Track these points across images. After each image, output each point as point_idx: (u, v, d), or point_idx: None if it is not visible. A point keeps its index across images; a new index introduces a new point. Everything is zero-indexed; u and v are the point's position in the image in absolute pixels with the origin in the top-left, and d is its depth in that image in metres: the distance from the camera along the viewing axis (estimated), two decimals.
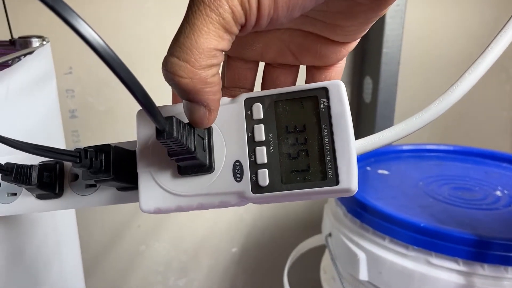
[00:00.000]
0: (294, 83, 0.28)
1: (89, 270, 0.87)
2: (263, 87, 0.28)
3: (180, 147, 0.22)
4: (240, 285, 0.98)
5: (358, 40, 0.24)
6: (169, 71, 0.19)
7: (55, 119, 0.51)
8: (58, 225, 0.48)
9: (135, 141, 0.27)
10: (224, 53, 0.20)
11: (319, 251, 0.75)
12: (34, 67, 0.43)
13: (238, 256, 0.96)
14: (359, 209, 0.55)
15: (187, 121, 0.23)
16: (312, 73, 0.27)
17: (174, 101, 0.29)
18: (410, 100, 0.89)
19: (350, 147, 0.23)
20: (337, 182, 0.23)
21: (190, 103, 0.21)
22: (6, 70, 0.35)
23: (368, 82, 0.82)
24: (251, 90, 0.28)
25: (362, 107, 0.85)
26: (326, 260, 0.69)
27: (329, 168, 0.23)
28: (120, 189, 0.28)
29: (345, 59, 0.26)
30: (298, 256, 0.75)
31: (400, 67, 0.80)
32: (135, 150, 0.26)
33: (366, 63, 0.82)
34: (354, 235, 0.55)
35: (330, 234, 0.61)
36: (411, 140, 0.84)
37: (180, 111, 0.25)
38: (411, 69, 0.89)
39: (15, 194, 0.29)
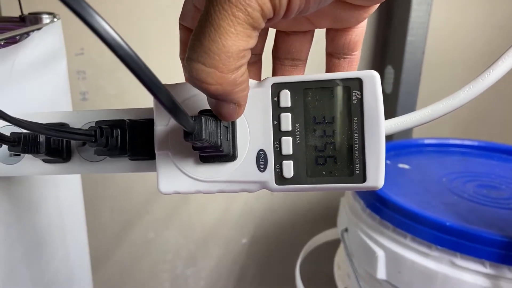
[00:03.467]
0: (309, 49, 0.26)
1: (96, 257, 0.86)
2: (275, 55, 0.26)
3: (207, 144, 0.21)
4: (249, 276, 0.97)
5: (379, 4, 0.22)
6: (195, 78, 0.17)
7: (65, 100, 0.49)
8: (63, 210, 0.46)
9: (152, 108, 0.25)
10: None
11: (332, 245, 0.73)
12: (43, 44, 0.41)
13: (248, 247, 0.94)
14: (378, 204, 0.52)
15: (208, 108, 0.21)
16: (332, 36, 0.25)
17: None
18: (433, 92, 0.85)
19: (380, 145, 0.22)
20: (364, 179, 0.23)
21: (219, 101, 0.19)
22: (12, 46, 0.33)
23: (389, 71, 0.78)
24: (260, 55, 0.26)
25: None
26: (340, 256, 0.67)
27: (357, 164, 0.23)
28: (132, 159, 0.26)
29: (366, 20, 0.24)
30: (310, 249, 0.73)
31: (424, 57, 0.76)
32: (152, 119, 0.25)
33: (389, 51, 0.79)
34: (372, 232, 0.53)
35: (346, 229, 0.59)
36: (432, 134, 0.81)
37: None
38: (436, 59, 0.85)
39: (19, 155, 0.27)
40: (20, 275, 0.35)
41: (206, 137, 0.19)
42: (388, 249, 0.50)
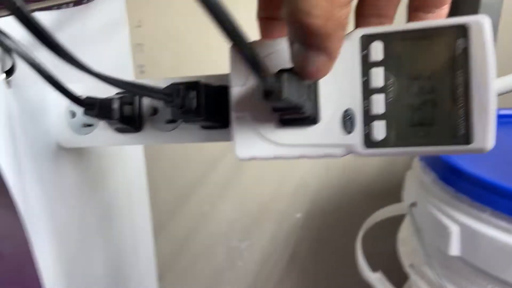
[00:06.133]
0: (397, 5, 0.23)
1: (154, 228, 0.88)
2: (359, 12, 0.23)
3: (288, 105, 0.19)
4: (303, 251, 0.96)
5: None
6: (300, 9, 0.15)
7: (127, 69, 0.49)
8: (129, 182, 0.47)
9: (224, 76, 0.24)
10: None
11: (391, 222, 0.70)
12: (106, 11, 0.41)
13: (302, 222, 0.93)
14: (453, 177, 0.48)
15: (288, 67, 0.19)
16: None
17: (265, 37, 0.25)
18: (510, 53, 0.77)
19: (490, 100, 0.20)
20: (468, 140, 0.20)
21: (310, 50, 0.17)
22: (81, 7, 0.33)
23: None
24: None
25: None
26: (404, 232, 0.64)
27: (461, 123, 0.20)
28: (204, 127, 0.25)
29: None
30: (370, 225, 0.70)
31: (500, 20, 0.69)
32: (225, 86, 0.23)
33: (459, 12, 0.72)
34: (445, 206, 0.49)
35: (414, 204, 0.55)
36: (505, 105, 0.74)
37: (279, 48, 0.22)
38: None
39: (91, 125, 0.27)
40: (93, 243, 0.36)
41: (287, 97, 0.18)
42: (464, 224, 0.47)
